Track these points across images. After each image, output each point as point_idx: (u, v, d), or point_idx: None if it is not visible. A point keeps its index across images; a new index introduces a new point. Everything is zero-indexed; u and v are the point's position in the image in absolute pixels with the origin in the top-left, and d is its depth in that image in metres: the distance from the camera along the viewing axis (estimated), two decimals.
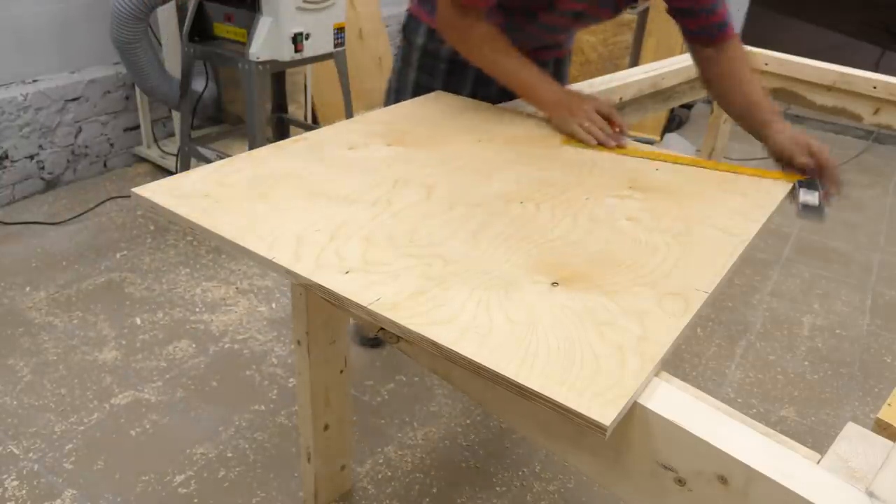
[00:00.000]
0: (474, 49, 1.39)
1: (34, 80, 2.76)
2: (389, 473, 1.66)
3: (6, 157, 2.68)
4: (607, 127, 1.33)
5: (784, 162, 1.28)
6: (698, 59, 1.45)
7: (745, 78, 1.37)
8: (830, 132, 4.13)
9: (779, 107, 1.36)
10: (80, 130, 2.89)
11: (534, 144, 1.31)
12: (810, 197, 1.20)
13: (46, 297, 2.19)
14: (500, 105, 1.51)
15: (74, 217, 2.66)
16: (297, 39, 2.35)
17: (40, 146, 2.78)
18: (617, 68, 3.52)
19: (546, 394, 0.68)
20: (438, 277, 0.86)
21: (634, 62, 3.63)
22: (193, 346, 2.03)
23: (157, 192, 1.03)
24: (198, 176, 1.09)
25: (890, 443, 0.69)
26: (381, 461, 1.69)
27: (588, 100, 1.36)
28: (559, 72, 1.69)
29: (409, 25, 1.61)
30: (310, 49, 2.43)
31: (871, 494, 0.63)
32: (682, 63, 1.91)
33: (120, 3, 2.44)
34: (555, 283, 0.87)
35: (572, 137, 1.34)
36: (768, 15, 4.58)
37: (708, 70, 1.43)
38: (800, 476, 0.65)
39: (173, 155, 2.98)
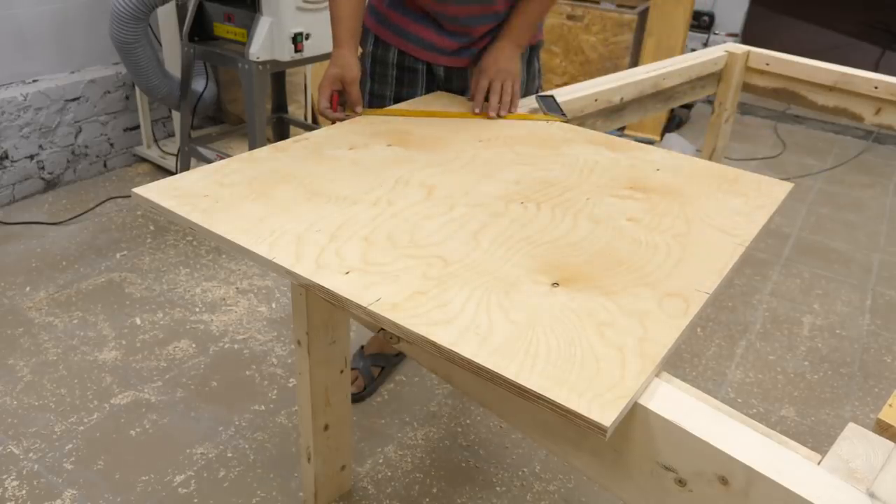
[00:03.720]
0: None
1: (34, 80, 2.76)
2: (389, 473, 1.66)
3: (6, 157, 2.68)
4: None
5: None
6: None
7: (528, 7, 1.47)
8: (831, 132, 4.13)
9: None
10: (80, 130, 2.89)
11: (534, 144, 1.31)
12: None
13: (46, 297, 2.19)
14: None
15: (74, 217, 2.66)
16: (297, 39, 2.35)
17: (40, 146, 2.78)
18: (617, 68, 3.52)
19: (546, 395, 0.68)
20: (438, 278, 0.86)
21: (634, 62, 3.63)
22: (193, 346, 2.03)
23: (157, 192, 1.03)
24: (197, 176, 1.09)
25: (891, 444, 0.69)
26: (381, 461, 1.69)
27: (328, 78, 1.36)
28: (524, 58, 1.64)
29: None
30: (310, 49, 2.42)
31: (871, 495, 0.63)
32: (682, 63, 1.90)
33: (120, 3, 2.44)
34: (555, 284, 0.87)
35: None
36: (768, 15, 4.58)
37: None
38: (800, 477, 0.65)
39: (173, 155, 2.98)
